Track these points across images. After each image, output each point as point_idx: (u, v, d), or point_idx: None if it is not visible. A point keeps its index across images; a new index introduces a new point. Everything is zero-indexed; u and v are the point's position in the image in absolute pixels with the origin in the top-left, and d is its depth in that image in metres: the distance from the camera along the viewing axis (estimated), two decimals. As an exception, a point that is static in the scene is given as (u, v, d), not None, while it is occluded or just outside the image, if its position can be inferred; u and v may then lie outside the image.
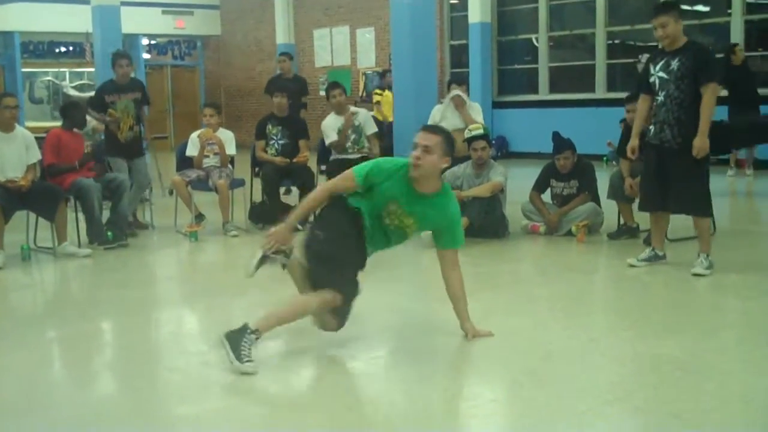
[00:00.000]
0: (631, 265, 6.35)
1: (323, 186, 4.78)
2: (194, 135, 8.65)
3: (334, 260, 4.48)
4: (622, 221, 7.60)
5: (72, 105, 8.39)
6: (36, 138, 7.65)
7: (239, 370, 4.08)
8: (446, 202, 4.61)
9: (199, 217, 8.47)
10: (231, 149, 8.55)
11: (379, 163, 4.59)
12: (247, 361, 4.12)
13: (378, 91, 14.87)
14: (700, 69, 5.89)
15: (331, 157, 8.82)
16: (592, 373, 4.12)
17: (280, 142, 8.73)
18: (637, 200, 6.74)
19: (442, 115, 8.51)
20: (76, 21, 18.45)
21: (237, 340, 4.17)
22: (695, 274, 5.99)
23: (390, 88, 13.78)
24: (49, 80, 22.38)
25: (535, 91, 16.68)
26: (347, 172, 4.57)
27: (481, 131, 7.83)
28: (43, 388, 4.15)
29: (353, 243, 4.57)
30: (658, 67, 6.09)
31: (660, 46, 6.19)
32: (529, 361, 4.31)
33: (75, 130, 8.04)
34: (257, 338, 4.22)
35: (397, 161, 4.55)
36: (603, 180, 7.91)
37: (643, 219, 7.09)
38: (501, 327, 4.95)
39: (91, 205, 7.55)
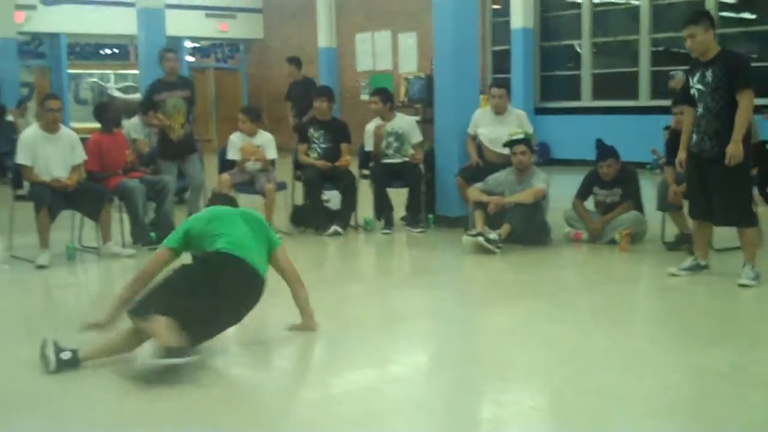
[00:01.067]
0: (672, 275, 6.29)
1: (136, 275, 4.71)
2: (233, 137, 8.67)
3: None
4: (677, 231, 7.42)
5: (103, 107, 8.50)
6: (81, 139, 7.75)
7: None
8: None
9: None
10: (272, 153, 8.58)
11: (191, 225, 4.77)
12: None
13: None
14: (733, 77, 5.82)
15: (372, 162, 8.82)
16: (635, 382, 4.09)
17: (322, 145, 8.75)
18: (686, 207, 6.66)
19: (482, 120, 8.49)
20: (122, 23, 18.66)
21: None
22: (741, 285, 5.91)
23: None
24: (94, 81, 22.63)
25: (578, 97, 16.57)
26: (157, 252, 4.76)
27: (521, 135, 7.80)
28: (81, 387, 4.19)
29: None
30: (695, 79, 6.03)
31: (693, 56, 6.13)
32: (571, 370, 4.28)
33: (115, 129, 8.14)
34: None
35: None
36: (647, 188, 7.85)
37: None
38: (543, 335, 4.94)
39: (135, 206, 7.63)
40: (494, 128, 8.39)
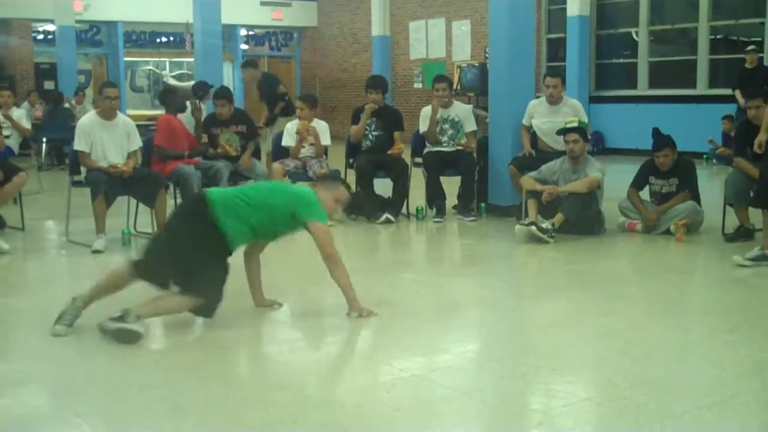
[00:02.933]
0: (739, 265, 6.16)
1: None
2: (290, 125, 8.72)
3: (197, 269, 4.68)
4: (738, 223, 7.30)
5: (168, 91, 8.56)
6: (137, 126, 7.83)
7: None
8: None
9: None
10: (326, 140, 8.60)
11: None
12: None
13: None
14: None
15: (426, 150, 8.80)
16: (691, 375, 4.02)
17: (374, 133, 8.73)
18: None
19: (536, 110, 8.41)
20: (177, 12, 18.83)
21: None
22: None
23: None
24: (149, 69, 22.91)
25: (634, 86, 16.35)
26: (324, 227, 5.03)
27: (575, 124, 7.71)
28: (135, 371, 4.24)
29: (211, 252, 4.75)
30: None
31: None
32: (625, 362, 4.22)
33: (179, 116, 8.23)
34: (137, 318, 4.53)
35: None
36: (703, 178, 7.71)
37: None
38: (596, 326, 4.89)
39: (191, 192, 7.70)
40: (549, 119, 8.31)
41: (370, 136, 8.74)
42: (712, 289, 6.13)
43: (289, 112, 10.89)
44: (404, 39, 20.94)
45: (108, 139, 7.40)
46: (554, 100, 8.33)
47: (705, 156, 13.49)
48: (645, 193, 7.83)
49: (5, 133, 9.49)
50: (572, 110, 8.30)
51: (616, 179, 8.54)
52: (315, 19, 23.69)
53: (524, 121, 8.48)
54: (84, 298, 4.74)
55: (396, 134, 8.75)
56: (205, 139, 8.45)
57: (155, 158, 7.91)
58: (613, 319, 5.02)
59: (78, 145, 7.36)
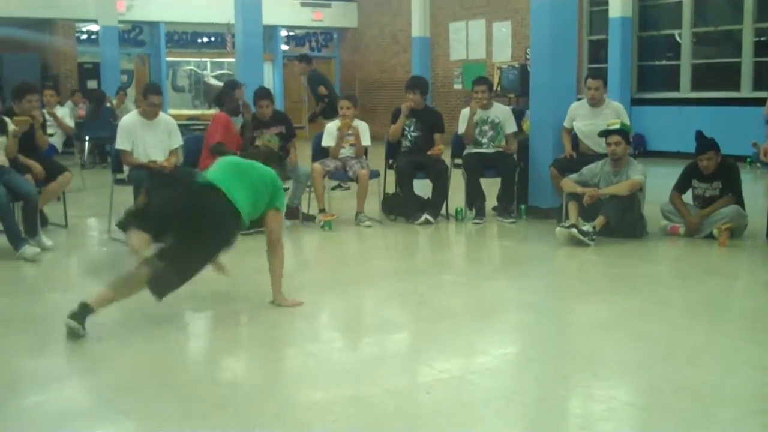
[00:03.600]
0: None
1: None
2: (331, 125, 8.74)
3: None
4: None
5: (225, 93, 8.56)
6: (178, 125, 7.90)
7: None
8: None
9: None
10: (366, 140, 8.60)
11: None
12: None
13: None
14: None
15: (465, 151, 8.77)
16: (735, 381, 3.96)
17: (413, 134, 8.72)
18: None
19: (578, 112, 8.35)
20: (219, 12, 18.98)
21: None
22: None
23: None
24: (191, 69, 23.08)
25: (677, 88, 16.18)
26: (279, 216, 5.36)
27: (617, 126, 7.65)
28: (178, 367, 4.27)
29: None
30: None
31: None
32: (667, 366, 4.18)
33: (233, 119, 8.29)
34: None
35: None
36: (747, 182, 7.61)
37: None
38: (637, 330, 4.84)
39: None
40: (590, 121, 8.25)
41: (409, 137, 8.73)
42: (755, 294, 6.04)
43: (327, 114, 10.93)
44: (444, 40, 20.90)
45: (150, 138, 7.48)
46: (596, 102, 8.27)
47: (748, 159, 13.32)
48: (688, 197, 7.74)
49: (49, 131, 9.62)
50: (614, 112, 8.22)
51: (658, 182, 8.46)
52: (355, 19, 23.73)
53: (565, 124, 8.43)
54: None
55: (436, 135, 8.73)
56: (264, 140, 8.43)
57: (207, 153, 7.90)
58: (655, 324, 4.97)
59: (120, 144, 7.45)
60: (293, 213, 8.48)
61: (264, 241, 5.35)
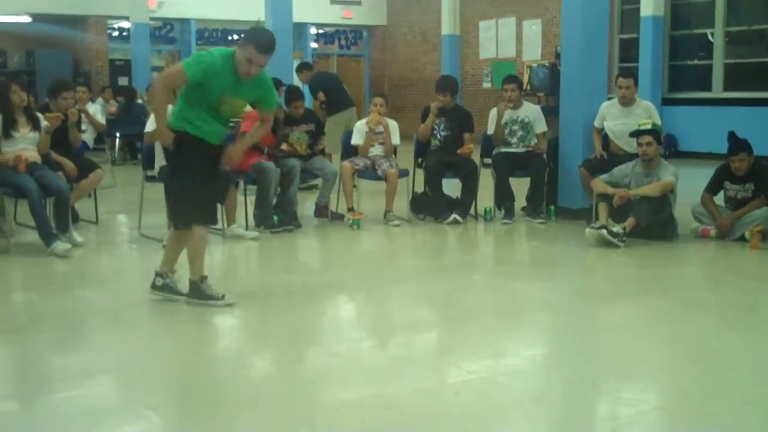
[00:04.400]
0: None
1: (160, 81, 5.34)
2: (360, 123, 8.74)
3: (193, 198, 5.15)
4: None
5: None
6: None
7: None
8: (262, 78, 5.25)
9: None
10: (396, 139, 8.60)
11: (206, 60, 5.03)
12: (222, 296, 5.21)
13: None
14: None
15: (495, 150, 8.74)
16: (766, 387, 3.92)
17: (443, 133, 8.70)
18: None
19: (608, 112, 8.29)
20: (249, 9, 18.97)
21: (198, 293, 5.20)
22: None
23: None
24: (221, 66, 23.15)
25: (709, 88, 16.03)
26: (178, 67, 5.14)
27: (648, 126, 7.58)
28: (206, 365, 4.29)
29: (207, 177, 5.16)
30: None
31: None
32: (697, 370, 4.14)
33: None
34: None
35: (221, 53, 5.08)
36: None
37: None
38: (668, 332, 4.81)
39: (267, 187, 7.76)
40: (621, 121, 8.18)
41: (438, 136, 8.71)
42: (788, 297, 5.98)
43: (331, 112, 11.35)
44: (474, 38, 20.84)
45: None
46: (627, 102, 8.21)
47: (781, 160, 13.17)
48: (719, 198, 7.66)
49: (82, 128, 9.69)
50: (645, 112, 8.16)
51: (689, 183, 8.38)
52: (385, 17, 23.71)
53: (596, 123, 8.37)
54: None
55: (465, 135, 8.70)
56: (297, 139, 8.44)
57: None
58: (685, 326, 4.93)
59: (150, 125, 7.46)
60: (321, 211, 8.51)
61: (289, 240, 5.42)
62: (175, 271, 5.35)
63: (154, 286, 5.32)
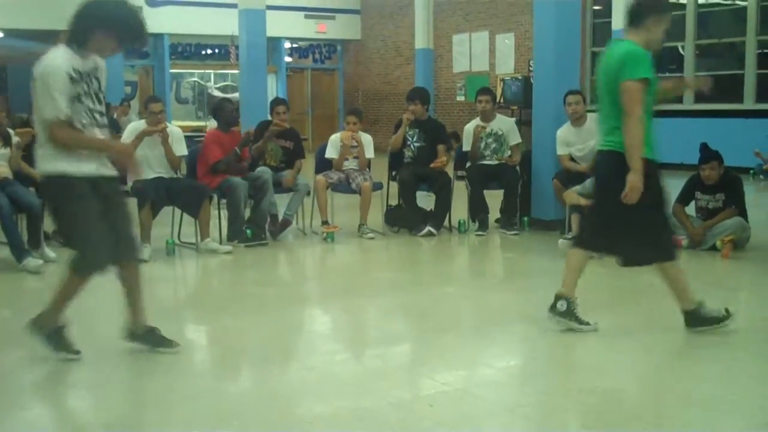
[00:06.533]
0: None
1: (634, 108, 4.76)
2: (334, 137, 8.74)
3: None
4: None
5: (218, 106, 8.53)
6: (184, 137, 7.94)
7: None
8: None
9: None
10: (369, 152, 8.62)
11: (644, 53, 4.74)
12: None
13: None
14: None
15: (468, 164, 8.77)
16: (738, 394, 3.95)
17: (416, 144, 8.73)
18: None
19: (567, 139, 8.18)
20: (222, 24, 19.00)
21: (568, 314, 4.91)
22: None
23: None
24: (194, 81, 23.12)
25: (680, 100, 16.17)
26: (633, 84, 4.67)
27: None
28: (182, 380, 4.27)
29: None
30: None
31: None
32: (673, 379, 4.17)
33: (233, 129, 8.28)
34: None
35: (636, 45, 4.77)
36: (750, 194, 7.60)
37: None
38: (642, 342, 4.84)
39: (237, 202, 7.74)
40: (581, 145, 8.01)
41: (412, 147, 8.73)
42: (758, 306, 6.03)
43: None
44: (447, 52, 20.93)
45: (153, 149, 7.50)
46: (578, 117, 8.03)
47: (752, 171, 13.32)
48: (691, 209, 7.73)
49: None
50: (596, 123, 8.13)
51: (661, 194, 8.42)
52: (359, 31, 23.77)
53: (561, 152, 8.16)
54: None
55: (439, 146, 8.73)
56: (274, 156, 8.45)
57: (204, 170, 7.92)
58: (659, 336, 4.96)
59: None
60: (285, 224, 8.42)
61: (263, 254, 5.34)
62: None
63: None
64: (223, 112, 8.24)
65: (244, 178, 7.92)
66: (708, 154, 7.54)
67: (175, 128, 7.87)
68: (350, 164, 8.56)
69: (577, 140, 8.10)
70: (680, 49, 16.35)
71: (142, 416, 3.78)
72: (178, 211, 7.83)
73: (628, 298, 6.04)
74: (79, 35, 4.35)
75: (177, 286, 7.11)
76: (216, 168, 7.85)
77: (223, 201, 7.90)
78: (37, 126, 4.37)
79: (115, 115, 15.23)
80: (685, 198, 7.70)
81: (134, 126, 7.73)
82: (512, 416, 3.71)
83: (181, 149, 7.71)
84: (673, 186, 7.98)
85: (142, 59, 22.06)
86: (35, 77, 4.30)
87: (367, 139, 8.66)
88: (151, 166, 7.49)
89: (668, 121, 15.79)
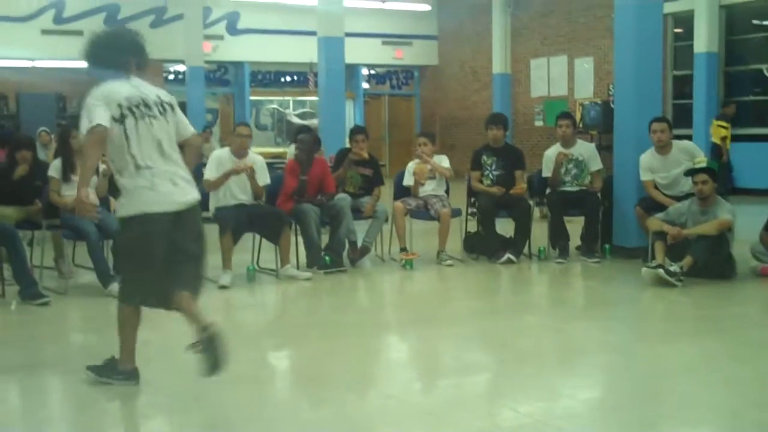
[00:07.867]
0: None
1: None
2: (411, 164, 8.74)
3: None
4: None
5: (300, 140, 8.54)
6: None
7: None
8: None
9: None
10: (446, 164, 8.61)
11: None
12: None
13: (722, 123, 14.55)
14: None
15: (548, 190, 8.68)
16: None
17: (495, 172, 8.67)
18: None
19: (650, 165, 8.12)
20: (302, 52, 19.24)
21: None
22: None
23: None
24: (274, 108, 23.43)
25: (765, 124, 15.81)
26: None
27: (704, 164, 7.48)
28: (261, 407, 4.29)
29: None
30: None
31: None
32: (760, 414, 4.04)
33: (317, 155, 8.39)
34: None
35: None
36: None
37: None
38: (728, 374, 4.71)
39: (308, 228, 7.79)
40: (665, 173, 7.97)
41: (490, 176, 8.68)
42: None
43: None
44: (525, 77, 20.84)
45: (237, 176, 7.60)
46: (663, 145, 7.96)
47: None
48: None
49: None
50: (684, 154, 7.99)
51: (747, 221, 8.22)
52: (436, 57, 23.83)
53: (645, 177, 8.09)
54: None
55: (517, 173, 8.67)
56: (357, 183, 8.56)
57: (284, 198, 8.02)
58: (746, 368, 4.83)
59: (208, 173, 7.59)
60: (364, 251, 8.44)
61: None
62: None
63: None
64: (302, 144, 8.34)
65: (319, 205, 7.96)
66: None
67: (258, 157, 7.95)
68: (427, 189, 8.52)
69: (661, 168, 7.99)
70: (765, 72, 15.99)
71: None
72: (258, 238, 7.92)
73: (712, 328, 5.89)
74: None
75: (257, 312, 7.16)
76: (295, 193, 7.96)
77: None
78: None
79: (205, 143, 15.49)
80: (775, 225, 7.49)
81: (217, 155, 7.84)
82: (595, 450, 3.64)
83: (264, 178, 7.78)
84: (761, 212, 7.83)
85: (224, 87, 22.50)
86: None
87: (442, 159, 8.64)
88: (234, 193, 7.60)
89: (754, 146, 15.54)
